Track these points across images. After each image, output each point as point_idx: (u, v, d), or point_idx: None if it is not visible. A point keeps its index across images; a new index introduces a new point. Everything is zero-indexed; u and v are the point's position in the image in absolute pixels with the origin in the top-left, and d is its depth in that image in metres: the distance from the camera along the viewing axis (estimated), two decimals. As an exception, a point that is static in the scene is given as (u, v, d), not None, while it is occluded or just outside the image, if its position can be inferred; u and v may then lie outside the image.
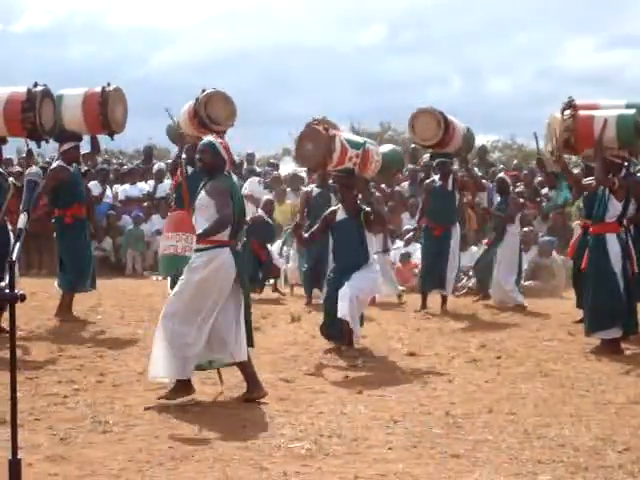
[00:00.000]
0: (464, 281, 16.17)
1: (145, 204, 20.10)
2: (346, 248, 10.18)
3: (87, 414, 7.02)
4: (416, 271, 15.96)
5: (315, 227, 10.72)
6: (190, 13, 62.71)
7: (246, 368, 7.58)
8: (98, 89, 11.00)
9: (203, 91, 12.77)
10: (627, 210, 10.31)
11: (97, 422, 6.78)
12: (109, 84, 11.12)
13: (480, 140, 32.81)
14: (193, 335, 7.35)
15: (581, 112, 10.54)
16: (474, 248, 17.01)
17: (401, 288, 15.41)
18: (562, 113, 11.03)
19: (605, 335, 10.13)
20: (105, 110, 10.95)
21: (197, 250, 7.37)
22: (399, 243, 17.65)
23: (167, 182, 19.94)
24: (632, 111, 10.58)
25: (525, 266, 16.42)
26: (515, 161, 23.43)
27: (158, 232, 19.34)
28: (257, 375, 7.65)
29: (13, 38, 53.39)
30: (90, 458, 5.91)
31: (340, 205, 10.38)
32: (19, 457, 4.43)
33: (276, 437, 6.42)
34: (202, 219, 7.38)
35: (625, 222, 10.37)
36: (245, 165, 21.73)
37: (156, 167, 20.51)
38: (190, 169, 13.22)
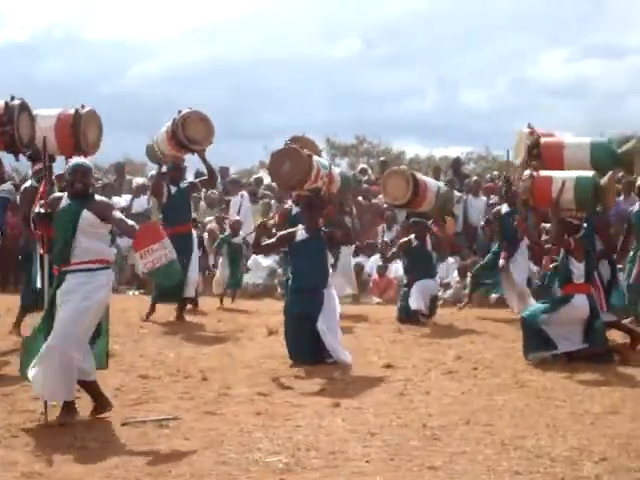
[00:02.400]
0: (440, 292, 16.20)
1: None
2: (305, 269, 10.23)
3: (64, 431, 7.00)
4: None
5: (271, 241, 10.76)
6: (166, 26, 62.56)
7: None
8: (71, 111, 10.94)
9: (179, 112, 12.78)
10: (592, 268, 10.35)
11: (73, 438, 6.77)
12: (83, 106, 11.05)
13: (454, 152, 32.98)
14: (81, 357, 7.32)
15: (541, 172, 10.67)
16: (450, 259, 17.07)
17: (377, 300, 15.55)
18: (527, 147, 11.31)
19: (537, 357, 10.18)
20: (77, 133, 10.88)
21: (93, 269, 7.28)
22: (377, 255, 17.67)
23: (144, 198, 19.93)
24: (591, 173, 10.65)
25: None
26: (495, 172, 23.33)
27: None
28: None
29: (-10, 53, 53.11)
30: (67, 475, 5.90)
31: (301, 225, 10.46)
32: (-5, 475, 4.43)
33: (253, 451, 6.42)
34: (92, 240, 7.27)
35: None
36: (219, 179, 21.64)
37: (135, 182, 20.44)
38: (174, 188, 13.41)
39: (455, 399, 8.32)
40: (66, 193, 7.45)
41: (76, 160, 7.71)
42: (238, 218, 17.29)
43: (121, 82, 53.95)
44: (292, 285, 10.42)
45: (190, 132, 12.69)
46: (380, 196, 19.93)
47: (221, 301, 15.65)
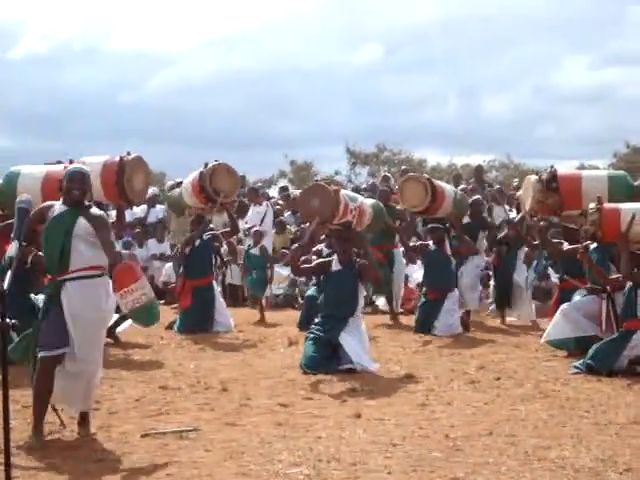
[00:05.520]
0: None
1: (136, 229, 19.98)
2: (337, 298, 10.48)
3: (83, 442, 6.98)
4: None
5: (310, 266, 11.15)
6: (186, 37, 63.15)
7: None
8: (116, 158, 11.06)
9: (206, 164, 12.95)
10: None
11: (93, 450, 6.74)
12: (129, 153, 11.14)
13: (476, 160, 32.94)
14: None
15: (606, 205, 10.49)
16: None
17: (399, 310, 15.44)
18: (545, 181, 11.29)
19: None
20: (121, 180, 10.96)
21: (95, 276, 7.15)
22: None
23: (159, 207, 20.01)
24: None
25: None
26: (516, 180, 23.19)
27: (154, 257, 19.40)
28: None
29: (10, 64, 53.66)
30: (86, 487, 5.87)
31: (335, 257, 10.72)
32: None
33: (274, 463, 6.37)
34: (89, 247, 7.10)
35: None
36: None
37: (149, 192, 20.49)
38: (197, 240, 13.61)
39: (478, 409, 8.24)
40: (59, 201, 7.28)
41: (73, 166, 7.67)
42: (257, 228, 17.27)
43: (140, 92, 54.44)
44: (322, 311, 10.67)
45: (218, 184, 12.82)
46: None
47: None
